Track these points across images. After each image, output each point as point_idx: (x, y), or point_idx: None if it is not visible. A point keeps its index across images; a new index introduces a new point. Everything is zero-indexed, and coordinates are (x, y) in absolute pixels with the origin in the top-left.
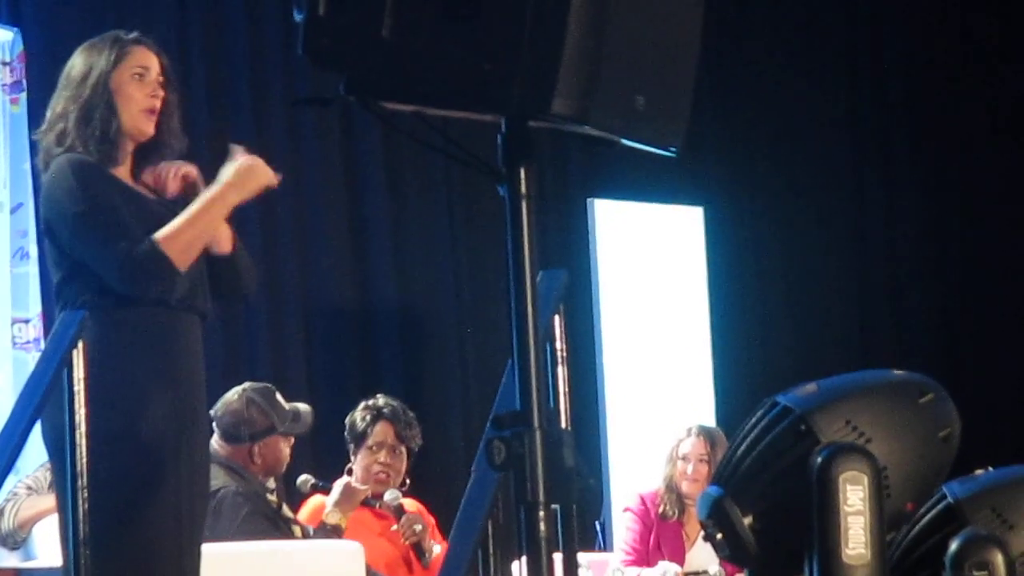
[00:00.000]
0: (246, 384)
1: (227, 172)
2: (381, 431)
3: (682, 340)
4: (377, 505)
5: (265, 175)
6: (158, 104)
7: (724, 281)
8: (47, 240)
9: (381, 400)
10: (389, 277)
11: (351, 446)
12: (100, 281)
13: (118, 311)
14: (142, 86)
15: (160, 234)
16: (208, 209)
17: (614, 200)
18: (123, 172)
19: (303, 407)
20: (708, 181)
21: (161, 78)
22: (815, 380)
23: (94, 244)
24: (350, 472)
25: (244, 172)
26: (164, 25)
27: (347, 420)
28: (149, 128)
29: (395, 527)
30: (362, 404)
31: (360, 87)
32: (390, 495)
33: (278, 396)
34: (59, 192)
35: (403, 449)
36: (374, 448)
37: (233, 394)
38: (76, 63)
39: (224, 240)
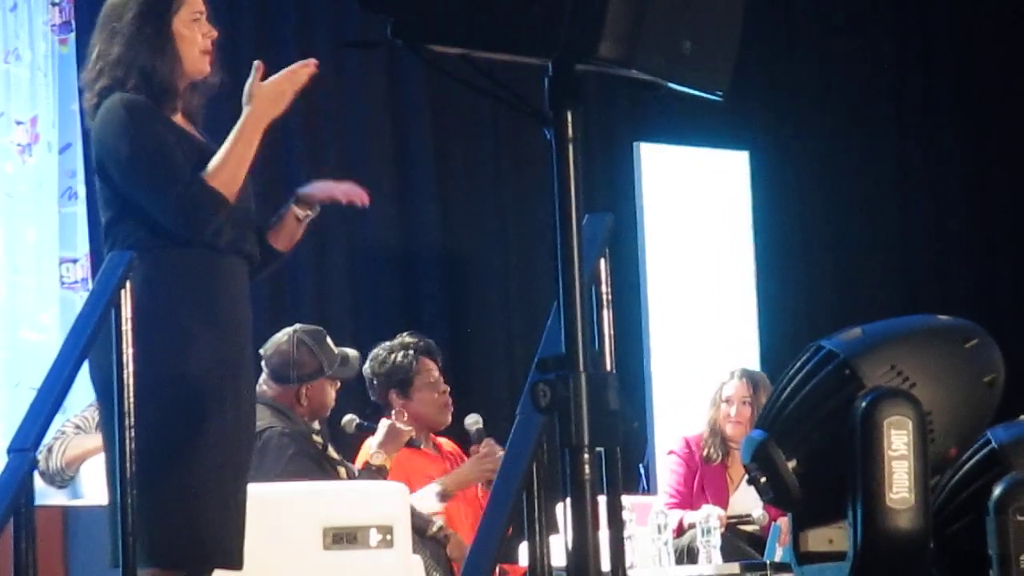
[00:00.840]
0: (297, 325)
1: (254, 93)
2: (426, 365)
3: (726, 284)
4: (421, 445)
5: (290, 85)
6: (211, 43)
7: (768, 225)
8: (98, 179)
9: (410, 337)
10: (434, 221)
11: (394, 390)
12: (150, 221)
13: (167, 252)
14: (199, 27)
15: (206, 171)
16: (244, 133)
17: (659, 144)
18: (178, 118)
19: (352, 352)
20: (753, 126)
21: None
22: (859, 325)
23: (146, 186)
24: (398, 416)
25: (270, 91)
26: None
27: (381, 366)
28: (207, 67)
29: (479, 451)
30: (385, 348)
31: (407, 30)
32: (472, 419)
33: (328, 339)
34: (112, 132)
35: None
36: (431, 382)
37: (283, 335)
38: (130, 3)
39: (289, 243)
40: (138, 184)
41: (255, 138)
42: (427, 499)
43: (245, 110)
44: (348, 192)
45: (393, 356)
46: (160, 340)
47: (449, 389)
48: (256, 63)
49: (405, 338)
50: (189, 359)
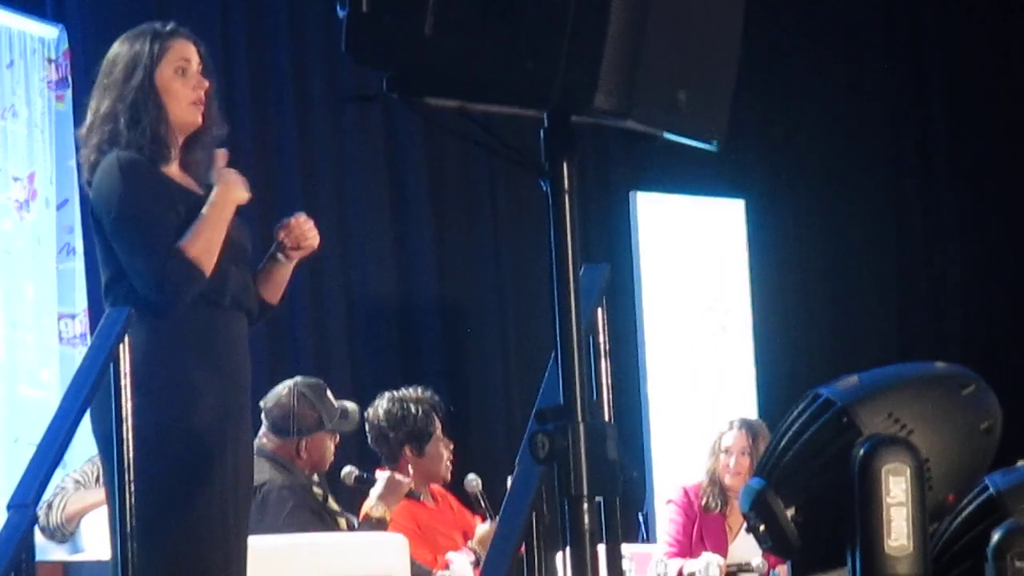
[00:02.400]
0: (297, 378)
1: (220, 176)
2: (437, 423)
3: (724, 332)
4: (420, 497)
5: (239, 192)
6: (203, 95)
7: (765, 274)
8: (96, 236)
9: (424, 392)
10: (432, 272)
11: (409, 445)
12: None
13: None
14: (186, 80)
15: (183, 241)
16: (218, 210)
17: (656, 193)
18: (174, 169)
19: (351, 406)
20: (749, 174)
21: (201, 67)
22: (856, 372)
23: (128, 250)
24: (402, 468)
25: (231, 184)
26: (207, 21)
27: (400, 421)
28: (198, 118)
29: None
30: (401, 400)
31: (403, 84)
32: (471, 480)
33: (328, 392)
34: (106, 190)
35: None
36: (443, 441)
37: (283, 387)
38: (118, 59)
39: (278, 293)
40: (121, 246)
41: (227, 215)
42: (463, 567)
43: (215, 189)
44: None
45: (413, 412)
46: (164, 393)
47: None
48: (220, 151)
49: (420, 393)
50: (193, 412)
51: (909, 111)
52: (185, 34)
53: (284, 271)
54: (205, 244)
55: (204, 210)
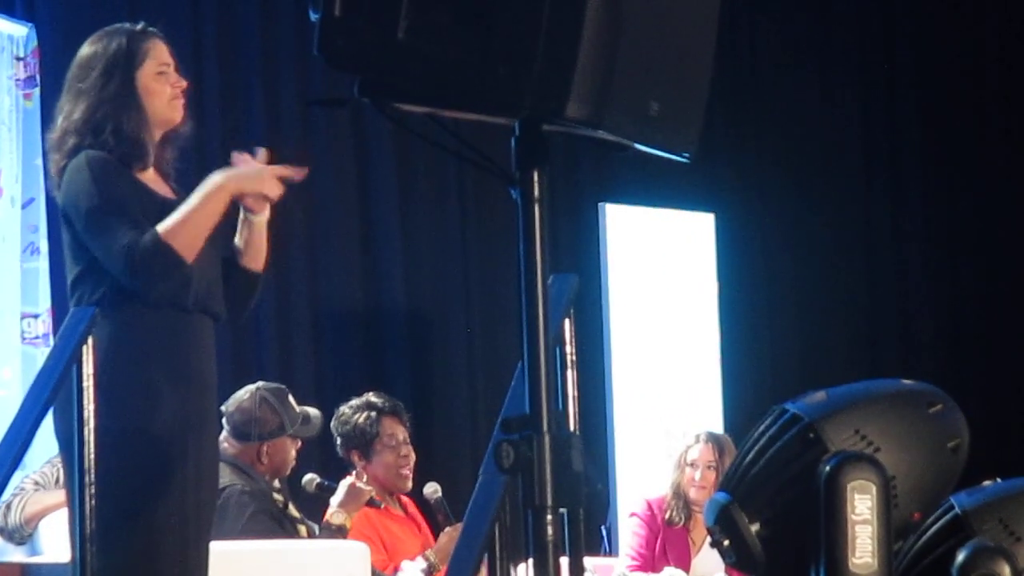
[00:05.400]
0: (259, 383)
1: (234, 168)
2: (390, 426)
3: (691, 346)
4: (382, 505)
5: (268, 184)
6: (181, 92)
7: (734, 288)
8: (65, 235)
9: (374, 397)
10: (399, 280)
11: (356, 451)
12: (116, 278)
13: (134, 309)
14: (167, 79)
15: (162, 226)
16: (208, 198)
17: (625, 205)
18: (149, 175)
19: (313, 412)
20: (719, 188)
21: (176, 66)
22: (824, 388)
23: (102, 239)
24: (359, 476)
25: (248, 171)
26: (179, 21)
27: (344, 426)
28: (177, 115)
29: (441, 519)
30: (351, 407)
31: (374, 89)
32: (431, 488)
33: (290, 397)
34: (76, 187)
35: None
36: (393, 444)
37: (245, 392)
38: (93, 61)
39: (260, 258)
40: (94, 235)
41: (219, 205)
42: (414, 574)
43: (216, 174)
44: (282, 176)
45: (356, 417)
46: (124, 396)
47: (412, 454)
48: (262, 150)
49: (371, 398)
50: (153, 416)
51: (881, 126)
52: (159, 35)
53: (256, 233)
54: (188, 234)
55: (192, 198)
